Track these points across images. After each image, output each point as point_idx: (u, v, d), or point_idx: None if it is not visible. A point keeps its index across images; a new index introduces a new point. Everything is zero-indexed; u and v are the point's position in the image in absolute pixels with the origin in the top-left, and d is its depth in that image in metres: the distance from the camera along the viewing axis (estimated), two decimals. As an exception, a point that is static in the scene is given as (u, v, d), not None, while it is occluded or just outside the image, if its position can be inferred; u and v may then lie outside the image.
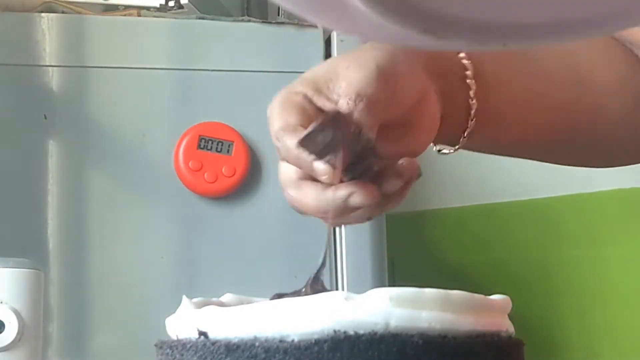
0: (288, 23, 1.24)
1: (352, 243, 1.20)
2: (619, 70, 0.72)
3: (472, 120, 0.62)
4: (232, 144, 1.17)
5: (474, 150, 0.68)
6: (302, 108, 0.54)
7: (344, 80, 0.54)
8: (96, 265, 1.15)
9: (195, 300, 0.49)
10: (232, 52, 1.22)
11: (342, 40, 1.23)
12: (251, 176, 1.19)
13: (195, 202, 1.18)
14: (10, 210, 1.14)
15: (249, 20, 1.25)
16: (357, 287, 0.48)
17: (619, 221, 1.51)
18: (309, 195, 0.53)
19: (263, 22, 1.24)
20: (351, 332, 0.41)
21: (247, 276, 1.18)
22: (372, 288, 0.43)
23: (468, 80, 0.62)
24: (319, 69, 0.58)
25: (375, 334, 0.41)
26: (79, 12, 1.20)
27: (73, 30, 1.19)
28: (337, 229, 1.20)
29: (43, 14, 1.18)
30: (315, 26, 1.25)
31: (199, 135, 1.16)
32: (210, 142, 1.17)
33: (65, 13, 1.19)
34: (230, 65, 1.21)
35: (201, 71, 1.21)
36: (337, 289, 1.18)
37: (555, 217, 1.60)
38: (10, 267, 0.76)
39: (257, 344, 0.42)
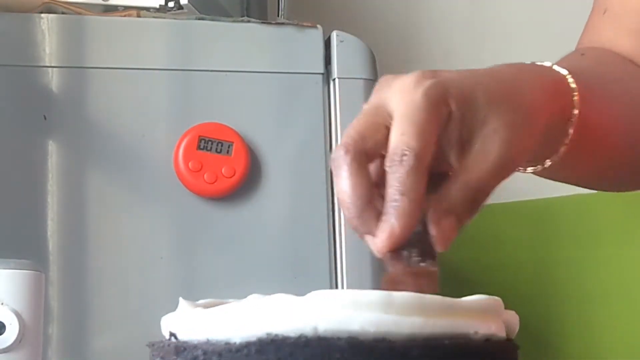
0: (288, 23, 1.24)
1: (352, 243, 1.20)
2: None
3: (568, 138, 0.59)
4: (232, 145, 1.17)
5: (550, 177, 0.66)
6: (442, 130, 0.49)
7: (494, 149, 0.50)
8: (96, 266, 1.15)
9: (201, 301, 0.50)
10: (231, 52, 1.22)
11: (342, 41, 1.23)
12: (251, 177, 1.19)
13: (195, 203, 1.18)
14: (10, 211, 1.14)
15: (249, 21, 1.25)
16: (357, 288, 0.48)
17: (618, 222, 1.52)
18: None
19: (263, 22, 1.24)
20: (279, 336, 0.41)
21: (246, 277, 1.18)
22: (372, 288, 0.43)
23: (575, 105, 0.59)
24: (481, 85, 0.51)
25: (302, 337, 0.40)
26: (79, 13, 1.20)
27: (73, 30, 1.19)
28: (337, 229, 1.20)
29: (43, 15, 1.18)
30: (315, 27, 1.25)
31: (199, 136, 1.16)
32: (210, 142, 1.17)
33: (65, 14, 1.19)
34: (230, 66, 1.21)
35: (201, 72, 1.21)
36: (337, 289, 1.18)
37: (555, 218, 1.60)
38: (10, 269, 0.75)
39: (199, 346, 0.43)
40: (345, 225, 1.20)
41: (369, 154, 0.49)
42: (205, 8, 1.28)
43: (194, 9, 1.25)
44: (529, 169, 0.62)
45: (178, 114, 1.20)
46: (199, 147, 1.16)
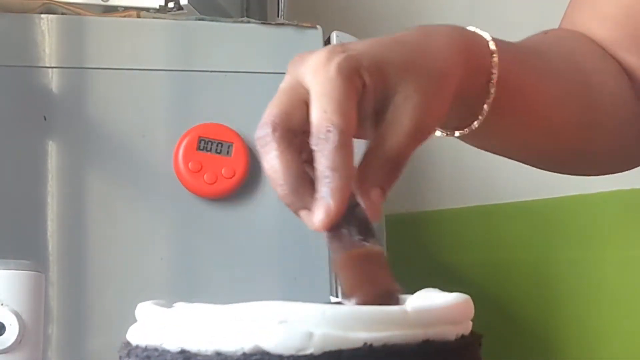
0: (287, 24, 1.24)
1: (352, 244, 1.20)
2: (615, 76, 0.74)
3: (487, 104, 0.60)
4: (232, 145, 1.17)
5: (470, 142, 0.67)
6: (358, 102, 0.49)
7: (406, 116, 0.50)
8: (96, 266, 1.15)
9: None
10: (231, 53, 1.22)
11: (341, 41, 1.23)
12: (251, 177, 1.19)
13: (195, 204, 1.18)
14: (10, 212, 1.14)
15: (249, 22, 1.25)
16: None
17: (618, 222, 1.52)
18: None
19: (262, 23, 1.24)
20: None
21: (246, 277, 1.18)
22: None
23: (493, 66, 0.60)
24: (390, 54, 0.52)
25: (242, 352, 0.40)
26: (79, 14, 1.20)
27: (73, 31, 1.19)
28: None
29: (43, 15, 1.18)
30: (314, 27, 1.25)
31: (199, 137, 1.16)
32: (209, 143, 1.17)
33: (65, 14, 1.19)
34: (229, 67, 1.21)
35: (201, 72, 1.21)
36: (336, 291, 1.18)
37: (555, 218, 1.60)
38: (10, 269, 0.76)
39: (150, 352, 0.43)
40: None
41: (294, 131, 0.50)
42: (205, 9, 1.28)
43: (193, 9, 1.25)
44: (457, 133, 0.63)
45: (178, 114, 1.20)
46: (198, 148, 1.16)
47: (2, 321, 0.74)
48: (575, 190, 1.55)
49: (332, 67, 0.49)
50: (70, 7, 1.20)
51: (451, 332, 0.42)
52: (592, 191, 1.53)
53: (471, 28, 0.61)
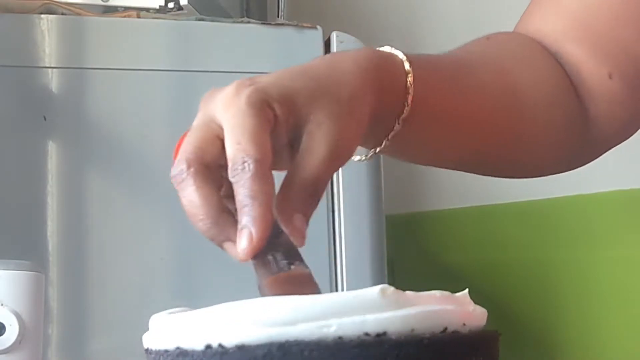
0: (287, 24, 1.24)
1: (352, 244, 1.20)
2: (548, 81, 0.74)
3: (398, 123, 0.60)
4: (232, 146, 1.17)
5: (393, 156, 0.67)
6: (272, 133, 0.50)
7: (320, 142, 0.50)
8: (96, 266, 1.15)
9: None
10: (231, 53, 1.22)
11: (341, 42, 1.23)
12: (251, 177, 1.19)
13: (195, 204, 1.18)
14: (10, 212, 1.14)
15: (249, 22, 1.25)
16: (357, 287, 0.48)
17: (618, 222, 1.52)
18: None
19: (262, 23, 1.25)
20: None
21: (246, 277, 1.18)
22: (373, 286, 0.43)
23: (408, 85, 0.60)
24: (297, 84, 0.52)
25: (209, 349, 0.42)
26: (79, 14, 1.20)
27: (72, 31, 1.19)
28: (337, 229, 1.20)
29: (42, 16, 1.18)
30: (314, 27, 1.25)
31: (199, 137, 1.16)
32: (209, 143, 1.16)
33: (65, 15, 1.19)
34: (229, 67, 1.21)
35: (201, 72, 1.21)
36: (336, 290, 1.18)
37: (554, 219, 1.60)
38: (10, 270, 0.76)
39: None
40: (345, 225, 1.20)
41: (209, 166, 0.51)
42: (205, 9, 1.28)
43: (193, 9, 1.25)
44: (371, 152, 0.63)
45: (178, 114, 1.20)
46: (198, 148, 1.16)
47: (2, 321, 0.74)
48: (575, 190, 1.55)
49: (242, 100, 0.50)
50: (70, 8, 1.20)
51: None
52: (592, 191, 1.53)
53: (386, 48, 0.62)
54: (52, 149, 1.16)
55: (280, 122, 0.51)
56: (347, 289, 1.17)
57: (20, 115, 1.16)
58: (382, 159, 1.28)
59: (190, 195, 0.50)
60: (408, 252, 1.75)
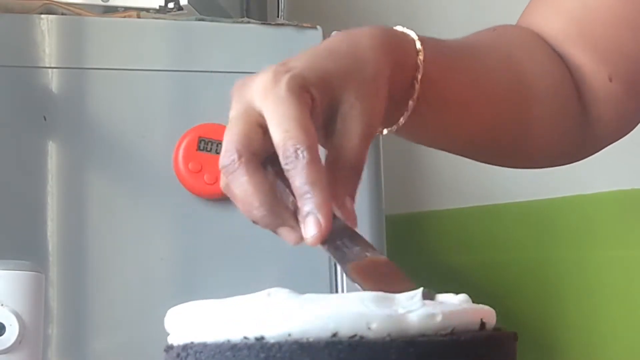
0: (287, 24, 1.24)
1: (352, 244, 1.20)
2: (553, 73, 0.75)
3: (410, 102, 0.62)
4: (232, 146, 1.17)
5: (406, 137, 0.68)
6: (312, 116, 0.51)
7: (356, 124, 0.52)
8: (96, 266, 1.15)
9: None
10: (231, 53, 1.22)
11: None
12: (251, 177, 1.19)
13: (195, 204, 1.18)
14: (10, 212, 1.14)
15: (249, 22, 1.25)
16: (357, 288, 0.48)
17: (618, 222, 1.52)
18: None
19: (262, 23, 1.24)
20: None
21: (247, 277, 1.18)
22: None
23: (419, 64, 0.61)
24: (328, 65, 0.54)
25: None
26: (79, 14, 1.20)
27: (72, 31, 1.19)
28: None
29: (42, 16, 1.18)
30: (314, 27, 1.25)
31: (199, 137, 1.16)
32: (209, 143, 1.17)
33: (65, 15, 1.20)
34: (229, 67, 1.21)
35: (201, 72, 1.21)
36: (336, 291, 1.18)
37: (555, 219, 1.60)
38: (10, 270, 0.76)
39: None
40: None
41: (257, 154, 0.51)
42: (205, 9, 1.28)
43: (193, 9, 1.25)
44: (385, 131, 0.65)
45: (178, 114, 1.20)
46: (198, 148, 1.16)
47: (2, 321, 0.74)
48: (575, 190, 1.55)
49: (282, 87, 0.51)
50: (70, 8, 1.20)
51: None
52: (592, 191, 1.53)
53: (398, 28, 0.63)
54: (52, 149, 1.16)
55: (317, 105, 0.52)
56: (347, 290, 1.17)
57: (20, 115, 1.16)
58: (382, 159, 1.28)
59: (244, 185, 0.50)
60: (408, 252, 1.75)
